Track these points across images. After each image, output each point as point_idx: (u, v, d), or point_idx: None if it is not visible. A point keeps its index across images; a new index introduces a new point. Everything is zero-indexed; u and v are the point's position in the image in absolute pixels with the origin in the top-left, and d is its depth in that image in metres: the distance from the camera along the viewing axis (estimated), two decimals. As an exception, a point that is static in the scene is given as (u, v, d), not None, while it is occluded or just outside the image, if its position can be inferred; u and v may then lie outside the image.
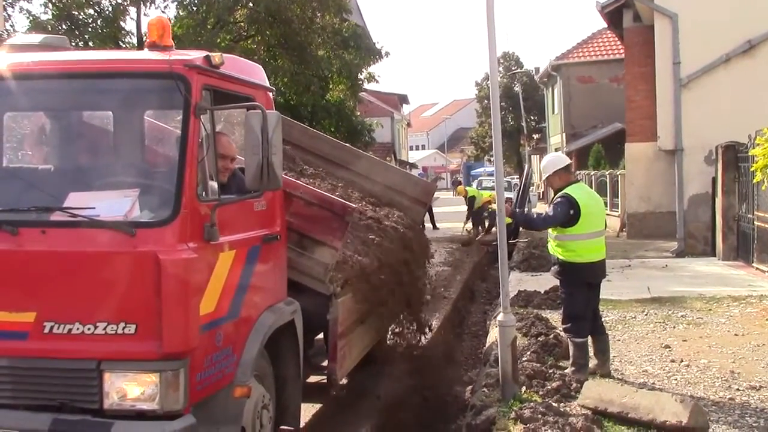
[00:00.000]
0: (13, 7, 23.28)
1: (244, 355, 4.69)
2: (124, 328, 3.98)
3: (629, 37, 20.00)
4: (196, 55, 4.35)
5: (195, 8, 24.72)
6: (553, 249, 7.31)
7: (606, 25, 23.41)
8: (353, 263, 6.12)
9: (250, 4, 24.79)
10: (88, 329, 3.99)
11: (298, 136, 8.44)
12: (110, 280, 4.01)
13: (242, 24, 25.90)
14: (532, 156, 46.99)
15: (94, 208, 4.04)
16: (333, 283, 5.79)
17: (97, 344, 3.99)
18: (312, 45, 25.65)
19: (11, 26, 23.35)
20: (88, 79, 4.36)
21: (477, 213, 23.18)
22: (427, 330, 8.64)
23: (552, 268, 7.55)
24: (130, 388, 4.02)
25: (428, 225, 26.62)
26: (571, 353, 7.36)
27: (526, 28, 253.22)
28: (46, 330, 4.02)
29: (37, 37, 5.07)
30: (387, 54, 29.42)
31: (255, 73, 5.22)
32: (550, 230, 7.32)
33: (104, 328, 3.98)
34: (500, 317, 6.82)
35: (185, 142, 4.11)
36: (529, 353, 7.95)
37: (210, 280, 4.26)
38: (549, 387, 6.85)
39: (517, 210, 7.82)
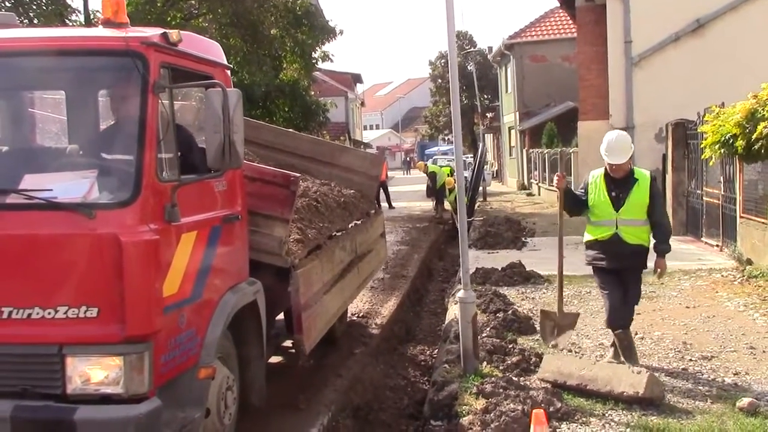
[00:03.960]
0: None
1: (208, 337, 4.65)
2: (86, 312, 3.91)
3: (581, 15, 20.22)
4: (152, 33, 4.26)
5: (144, -14, 24.16)
6: (641, 236, 6.62)
7: (558, 4, 23.59)
8: (306, 236, 6.18)
9: (201, -19, 24.38)
10: (48, 313, 3.91)
11: None
12: (70, 263, 3.93)
13: (193, 2, 25.46)
14: (485, 135, 47.32)
15: (51, 189, 3.94)
16: (290, 256, 5.77)
17: (58, 329, 3.92)
18: (265, 23, 25.34)
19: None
20: (41, 57, 4.21)
21: (440, 190, 23.11)
22: None
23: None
24: (94, 372, 3.96)
25: (384, 205, 26.76)
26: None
27: (480, 7, 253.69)
28: (5, 315, 3.93)
29: (-18, 15, 4.91)
30: (341, 32, 29.14)
31: (212, 50, 5.14)
32: (634, 217, 6.56)
33: (65, 312, 3.91)
34: (460, 294, 6.90)
35: (144, 122, 4.04)
36: (488, 329, 8.05)
37: (172, 261, 4.20)
38: (509, 362, 6.97)
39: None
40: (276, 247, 5.70)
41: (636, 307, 6.96)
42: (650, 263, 6.78)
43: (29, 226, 3.94)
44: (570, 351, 7.53)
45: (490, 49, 43.52)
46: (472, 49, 52.36)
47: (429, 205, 25.65)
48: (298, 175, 5.93)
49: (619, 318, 6.74)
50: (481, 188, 28.05)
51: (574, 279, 10.95)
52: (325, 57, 30.90)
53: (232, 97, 4.17)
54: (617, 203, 6.55)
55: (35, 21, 20.49)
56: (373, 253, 9.15)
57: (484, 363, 6.95)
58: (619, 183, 6.58)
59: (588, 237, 6.84)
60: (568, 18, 27.34)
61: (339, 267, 7.31)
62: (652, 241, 6.70)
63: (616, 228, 6.56)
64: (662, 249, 6.62)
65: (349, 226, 8.03)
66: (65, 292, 3.91)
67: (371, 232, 9.13)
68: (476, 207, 24.78)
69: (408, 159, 70.85)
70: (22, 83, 4.76)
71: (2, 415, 3.87)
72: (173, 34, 4.31)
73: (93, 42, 4.33)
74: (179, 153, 4.47)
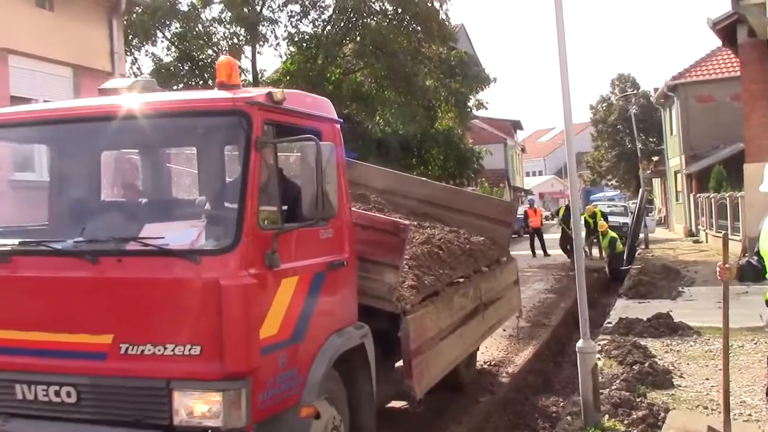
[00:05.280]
0: (139, 51, 24.99)
1: (310, 377, 4.85)
2: (190, 350, 4.23)
3: (744, 53, 19.18)
4: (258, 93, 4.62)
5: (305, 44, 25.67)
6: None
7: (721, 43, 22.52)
8: (421, 282, 6.28)
9: (358, 38, 25.52)
10: (159, 350, 4.27)
11: (375, 178, 8.92)
12: (178, 304, 4.28)
13: (350, 58, 26.65)
14: (653, 180, 45.42)
15: (163, 237, 4.35)
16: (401, 302, 5.91)
17: (167, 364, 4.26)
18: (419, 75, 26.02)
19: (138, 68, 25.11)
20: (161, 118, 4.71)
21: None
22: None
23: None
24: (197, 405, 4.25)
25: (539, 252, 26.30)
26: None
27: (642, 49, 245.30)
28: (122, 351, 4.33)
29: (127, 81, 5.52)
30: (495, 80, 29.29)
31: (322, 106, 5.47)
32: None
33: (173, 350, 4.25)
34: (579, 343, 6.72)
35: (246, 174, 4.37)
36: (618, 381, 7.76)
37: (271, 304, 4.46)
38: (634, 416, 6.68)
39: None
40: (386, 293, 5.87)
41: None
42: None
43: (145, 271, 4.35)
44: (705, 407, 7.09)
45: (655, 90, 42.02)
46: (634, 92, 50.76)
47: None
48: (408, 223, 6.10)
49: None
50: (642, 235, 26.93)
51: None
52: (480, 105, 31.20)
53: (325, 150, 4.42)
54: None
55: (210, 82, 22.32)
56: (502, 301, 9.10)
57: (607, 416, 6.69)
58: None
59: None
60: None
61: (459, 314, 7.35)
62: None
63: None
64: None
65: (473, 272, 8.05)
66: (173, 331, 4.26)
67: (500, 279, 9.09)
68: (637, 254, 23.78)
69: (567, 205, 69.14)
70: (146, 142, 5.30)
71: None
72: (277, 93, 4.65)
73: (205, 103, 4.76)
74: (285, 203, 4.77)
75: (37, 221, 5.55)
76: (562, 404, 9.11)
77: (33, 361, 4.47)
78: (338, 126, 5.59)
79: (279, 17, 26.04)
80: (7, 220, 5.50)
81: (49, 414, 4.45)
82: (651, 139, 47.68)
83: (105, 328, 4.35)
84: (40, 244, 4.68)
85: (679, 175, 35.67)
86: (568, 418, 6.96)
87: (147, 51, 25.55)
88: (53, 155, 5.70)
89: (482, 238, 8.82)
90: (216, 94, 4.68)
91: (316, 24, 26.27)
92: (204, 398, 4.24)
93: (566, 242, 22.73)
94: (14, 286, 4.57)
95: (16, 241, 4.76)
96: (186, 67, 25.46)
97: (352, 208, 5.89)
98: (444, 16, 25.91)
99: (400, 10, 25.26)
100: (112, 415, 4.37)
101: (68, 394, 4.41)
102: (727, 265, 5.29)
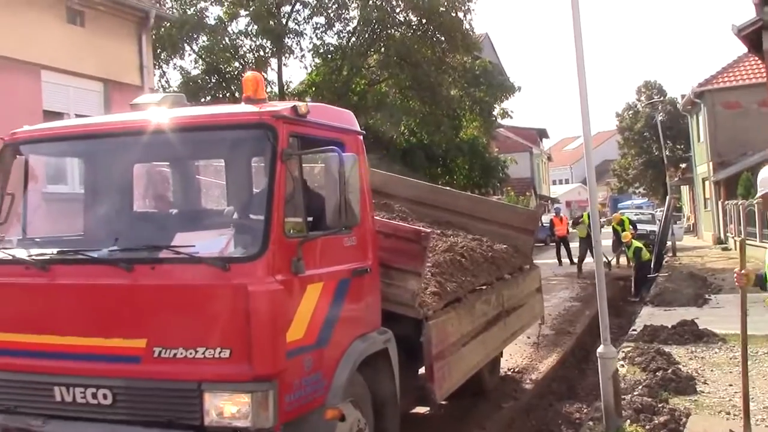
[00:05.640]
0: (167, 64, 25.46)
1: (335, 380, 5.02)
2: (220, 353, 4.41)
3: (770, 59, 19.02)
4: (283, 107, 4.82)
5: (330, 56, 25.94)
6: None
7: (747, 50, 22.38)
8: (444, 289, 6.43)
9: (382, 49, 25.75)
10: (190, 353, 4.45)
11: (399, 187, 9.06)
12: (208, 309, 4.47)
13: (375, 68, 26.87)
14: (681, 187, 45.07)
15: (194, 246, 4.55)
16: (423, 308, 6.05)
17: (198, 367, 4.44)
18: (443, 85, 26.17)
19: (166, 81, 25.58)
20: (190, 132, 4.93)
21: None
22: None
23: None
24: (227, 406, 4.43)
25: (565, 260, 26.24)
26: None
27: (668, 56, 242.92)
28: (156, 354, 4.52)
29: (156, 96, 5.75)
30: (519, 89, 29.35)
31: (345, 118, 5.66)
32: None
33: (203, 353, 4.43)
34: (600, 349, 6.82)
35: (272, 185, 4.56)
36: (641, 387, 7.82)
37: (297, 309, 4.64)
38: (656, 421, 6.75)
39: None
40: (409, 299, 6.02)
41: None
42: None
43: (176, 278, 4.55)
44: (728, 413, 7.13)
45: (682, 97, 41.80)
46: (660, 99, 50.44)
47: (612, 260, 24.87)
48: (429, 231, 6.24)
49: None
50: (669, 243, 26.76)
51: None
52: (504, 114, 31.25)
53: (348, 161, 4.60)
54: None
55: (236, 94, 22.68)
56: (525, 308, 9.20)
57: (629, 421, 6.76)
58: None
59: None
60: (763, 62, 25.74)
61: (481, 320, 7.47)
62: None
63: None
64: None
65: (496, 280, 8.17)
66: (203, 335, 4.44)
67: (523, 286, 9.19)
68: (664, 262, 23.66)
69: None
70: (176, 154, 5.52)
71: None
72: (302, 107, 4.85)
73: (233, 117, 4.98)
74: (311, 212, 4.95)
75: (70, 231, 5.79)
76: (585, 411, 9.15)
77: (71, 364, 4.67)
78: (361, 137, 5.77)
79: (304, 29, 26.42)
80: (42, 230, 5.74)
81: (87, 415, 4.65)
82: (678, 146, 47.33)
83: (139, 333, 4.55)
84: (78, 253, 4.91)
85: (706, 183, 35.40)
86: (590, 423, 7.06)
87: (175, 64, 26.06)
88: (88, 168, 5.95)
89: (505, 246, 8.93)
90: (243, 108, 4.89)
91: (341, 35, 26.59)
92: (233, 399, 4.42)
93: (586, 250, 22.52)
94: (53, 293, 4.79)
95: (55, 251, 5.00)
96: (213, 80, 25.87)
97: (376, 217, 6.05)
98: (468, 26, 26.06)
99: (424, 21, 25.47)
100: (146, 416, 4.55)
101: (104, 396, 4.61)
102: (743, 271, 5.35)
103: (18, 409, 4.83)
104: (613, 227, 23.18)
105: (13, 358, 4.83)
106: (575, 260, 26.31)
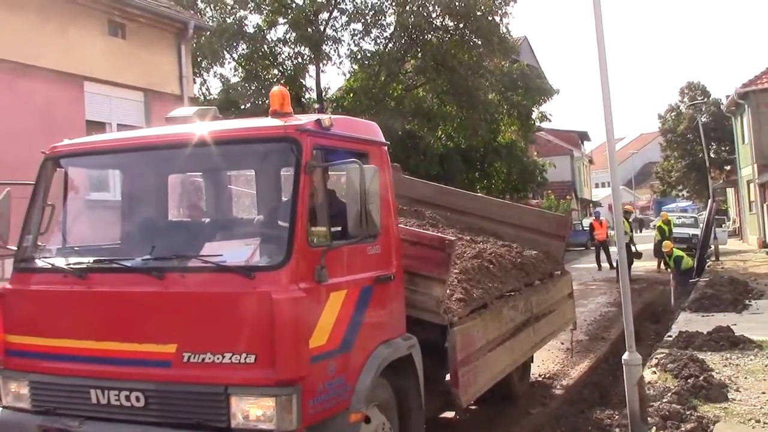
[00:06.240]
0: (207, 72, 25.94)
1: (359, 385, 5.15)
2: (246, 358, 4.59)
3: (813, 60, 18.67)
4: (308, 120, 4.98)
5: (367, 62, 26.14)
6: None
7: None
8: (470, 295, 6.53)
9: (419, 55, 25.88)
10: (217, 359, 4.63)
11: (431, 194, 9.21)
12: (234, 316, 4.65)
13: (412, 74, 27.00)
14: (726, 189, 44.24)
15: (221, 255, 4.74)
16: (448, 314, 6.16)
17: (224, 372, 4.62)
18: (480, 89, 26.17)
19: (206, 89, 26.06)
20: (220, 145, 5.13)
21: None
22: None
23: None
24: (252, 410, 4.60)
25: (605, 265, 26.02)
26: None
27: (712, 56, 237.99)
28: (185, 359, 4.71)
29: (191, 109, 5.96)
30: (558, 91, 29.25)
31: (370, 130, 5.81)
32: None
33: (230, 358, 4.61)
34: (625, 356, 6.82)
35: (296, 196, 4.73)
36: (670, 394, 7.79)
37: (320, 316, 4.79)
38: (683, 429, 6.74)
39: None
40: (434, 306, 6.15)
41: None
42: None
43: (205, 285, 4.75)
44: (758, 421, 7.08)
45: (726, 98, 41.07)
46: (704, 100, 49.62)
47: (653, 265, 24.61)
48: (454, 238, 6.35)
49: None
50: (712, 247, 26.32)
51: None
52: (543, 117, 31.14)
53: (368, 172, 4.74)
54: None
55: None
56: (555, 314, 9.23)
57: (655, 428, 6.77)
58: None
59: None
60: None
61: (508, 326, 7.54)
62: None
63: None
64: None
65: (524, 286, 8.24)
66: (230, 341, 4.62)
67: (552, 292, 9.23)
68: (706, 267, 23.30)
69: (637, 217, 68.07)
70: (205, 167, 5.74)
71: None
72: (326, 120, 5.01)
73: (259, 131, 5.15)
74: (335, 222, 5.10)
75: (111, 238, 6.04)
76: (616, 417, 9.16)
77: (106, 368, 4.90)
78: (385, 148, 5.90)
79: (342, 36, 26.69)
80: (84, 237, 5.99)
81: (120, 417, 4.87)
82: (723, 148, 46.46)
83: (170, 339, 4.75)
84: (113, 262, 5.14)
85: (751, 185, 34.72)
86: (617, 430, 7.07)
87: (215, 72, 26.53)
88: (125, 180, 6.21)
89: (535, 252, 8.99)
90: (269, 122, 5.08)
91: (378, 41, 26.78)
92: (258, 403, 4.59)
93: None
94: (90, 300, 5.03)
95: (92, 259, 5.24)
96: (252, 87, 26.26)
97: (402, 225, 6.18)
98: (505, 30, 26.05)
99: (461, 26, 25.51)
100: (176, 418, 4.74)
101: (137, 399, 4.81)
102: None
103: (57, 411, 5.07)
104: (659, 227, 22.99)
105: (53, 362, 5.08)
106: (614, 264, 26.12)
